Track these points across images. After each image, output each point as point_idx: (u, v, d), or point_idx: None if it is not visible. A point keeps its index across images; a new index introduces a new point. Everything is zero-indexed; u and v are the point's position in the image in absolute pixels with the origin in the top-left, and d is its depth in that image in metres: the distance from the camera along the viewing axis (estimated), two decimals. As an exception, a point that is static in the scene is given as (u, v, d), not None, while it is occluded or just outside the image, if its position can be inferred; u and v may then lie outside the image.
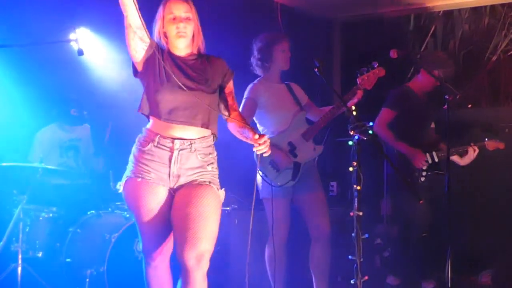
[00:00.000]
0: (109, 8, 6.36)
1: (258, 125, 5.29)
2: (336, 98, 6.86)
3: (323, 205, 5.25)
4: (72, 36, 5.39)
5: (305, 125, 5.26)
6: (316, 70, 3.97)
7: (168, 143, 3.62)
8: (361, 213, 3.93)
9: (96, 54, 6.73)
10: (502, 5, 7.35)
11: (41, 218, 5.60)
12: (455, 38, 7.64)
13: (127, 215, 5.53)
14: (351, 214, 3.96)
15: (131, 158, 3.68)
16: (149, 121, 3.74)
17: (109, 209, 5.80)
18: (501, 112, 7.22)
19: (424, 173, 5.60)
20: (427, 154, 5.61)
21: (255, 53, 5.29)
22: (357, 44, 7.78)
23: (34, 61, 6.03)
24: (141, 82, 3.75)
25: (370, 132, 3.96)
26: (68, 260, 5.47)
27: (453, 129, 5.16)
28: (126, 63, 6.69)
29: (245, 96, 5.21)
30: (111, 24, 6.52)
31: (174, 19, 3.66)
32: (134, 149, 3.69)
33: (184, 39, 3.68)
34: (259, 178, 5.10)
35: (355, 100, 5.00)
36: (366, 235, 4.08)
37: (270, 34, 5.34)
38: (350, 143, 4.01)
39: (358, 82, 5.03)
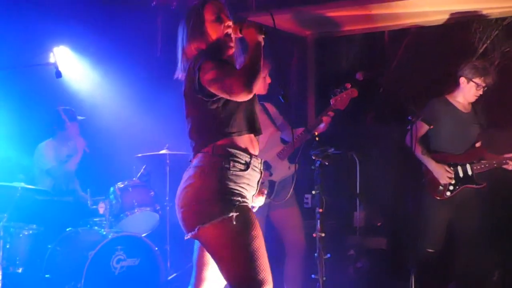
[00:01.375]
0: (89, 27, 6.68)
1: None
2: (312, 117, 7.05)
3: (298, 220, 5.40)
4: (51, 59, 5.56)
5: (280, 144, 5.41)
6: (280, 97, 4.11)
7: (259, 163, 3.48)
8: (323, 234, 4.10)
9: (76, 72, 6.94)
10: (473, 21, 7.51)
11: (21, 235, 5.73)
12: (428, 54, 7.81)
13: (104, 232, 5.71)
14: (314, 235, 4.13)
15: (227, 184, 3.30)
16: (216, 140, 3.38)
17: (88, 225, 5.99)
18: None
19: (451, 187, 5.52)
20: (459, 167, 5.53)
21: None
22: (331, 60, 7.93)
23: (15, 84, 6.22)
24: (213, 100, 3.37)
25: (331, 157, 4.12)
26: (47, 276, 5.62)
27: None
28: (105, 80, 7.03)
29: None
30: (91, 42, 6.79)
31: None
32: (227, 173, 3.32)
33: None
34: None
35: (328, 120, 5.16)
36: (329, 255, 4.25)
37: None
38: (313, 167, 4.18)
39: (331, 102, 5.18)
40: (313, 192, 4.19)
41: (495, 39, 7.60)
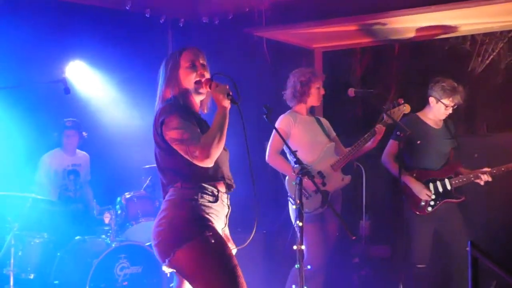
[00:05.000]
0: (103, 41, 6.92)
1: (288, 155, 5.57)
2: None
3: (335, 235, 5.63)
4: (63, 74, 5.80)
5: (334, 156, 5.56)
6: (264, 116, 4.29)
7: (226, 198, 3.71)
8: (303, 247, 4.26)
9: (90, 86, 7.20)
10: (479, 34, 7.61)
11: (32, 243, 6.01)
12: (433, 65, 7.92)
13: (109, 241, 5.98)
14: (294, 247, 4.28)
15: (197, 212, 3.55)
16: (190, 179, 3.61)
17: (95, 234, 6.25)
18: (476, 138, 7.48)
19: (432, 203, 5.60)
20: (438, 183, 5.62)
21: (295, 85, 5.59)
22: (339, 72, 8.09)
23: (29, 97, 6.48)
24: (175, 152, 3.59)
25: (312, 174, 4.29)
26: (56, 282, 5.90)
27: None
28: (117, 93, 7.28)
29: (276, 126, 5.49)
30: (105, 56, 7.03)
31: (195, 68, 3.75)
32: (196, 204, 3.55)
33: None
34: (290, 205, 5.46)
35: (378, 137, 5.40)
36: (310, 267, 4.42)
37: (309, 70, 5.69)
38: (293, 183, 4.35)
39: (384, 118, 5.36)
40: (294, 206, 4.36)
41: (501, 51, 7.69)
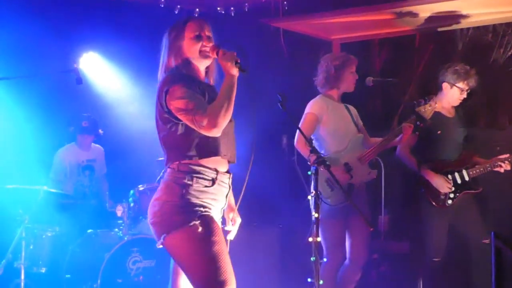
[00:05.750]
0: (117, 33, 6.84)
1: (314, 141, 5.22)
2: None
3: (368, 230, 5.34)
4: (76, 63, 5.74)
5: (361, 147, 5.39)
6: (279, 104, 4.17)
7: (226, 178, 3.59)
8: (319, 239, 4.14)
9: (104, 77, 7.12)
10: (501, 23, 7.42)
11: (44, 237, 5.96)
12: (454, 56, 7.74)
13: (121, 234, 5.89)
14: (310, 239, 4.16)
15: (189, 199, 3.43)
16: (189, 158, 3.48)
17: (108, 228, 6.17)
18: (498, 130, 7.30)
19: (451, 195, 5.44)
20: (456, 174, 5.46)
21: (329, 69, 5.40)
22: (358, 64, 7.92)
23: (41, 89, 6.45)
24: (177, 124, 3.48)
25: (328, 163, 4.14)
26: (67, 276, 5.84)
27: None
28: (133, 86, 7.19)
29: (306, 111, 5.35)
30: (120, 48, 6.95)
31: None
32: (189, 189, 3.43)
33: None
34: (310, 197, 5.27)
35: (409, 131, 5.21)
36: (325, 259, 4.29)
37: (343, 55, 5.51)
38: (309, 173, 4.22)
39: (415, 115, 5.18)
40: (309, 197, 4.23)
41: (524, 42, 7.51)
